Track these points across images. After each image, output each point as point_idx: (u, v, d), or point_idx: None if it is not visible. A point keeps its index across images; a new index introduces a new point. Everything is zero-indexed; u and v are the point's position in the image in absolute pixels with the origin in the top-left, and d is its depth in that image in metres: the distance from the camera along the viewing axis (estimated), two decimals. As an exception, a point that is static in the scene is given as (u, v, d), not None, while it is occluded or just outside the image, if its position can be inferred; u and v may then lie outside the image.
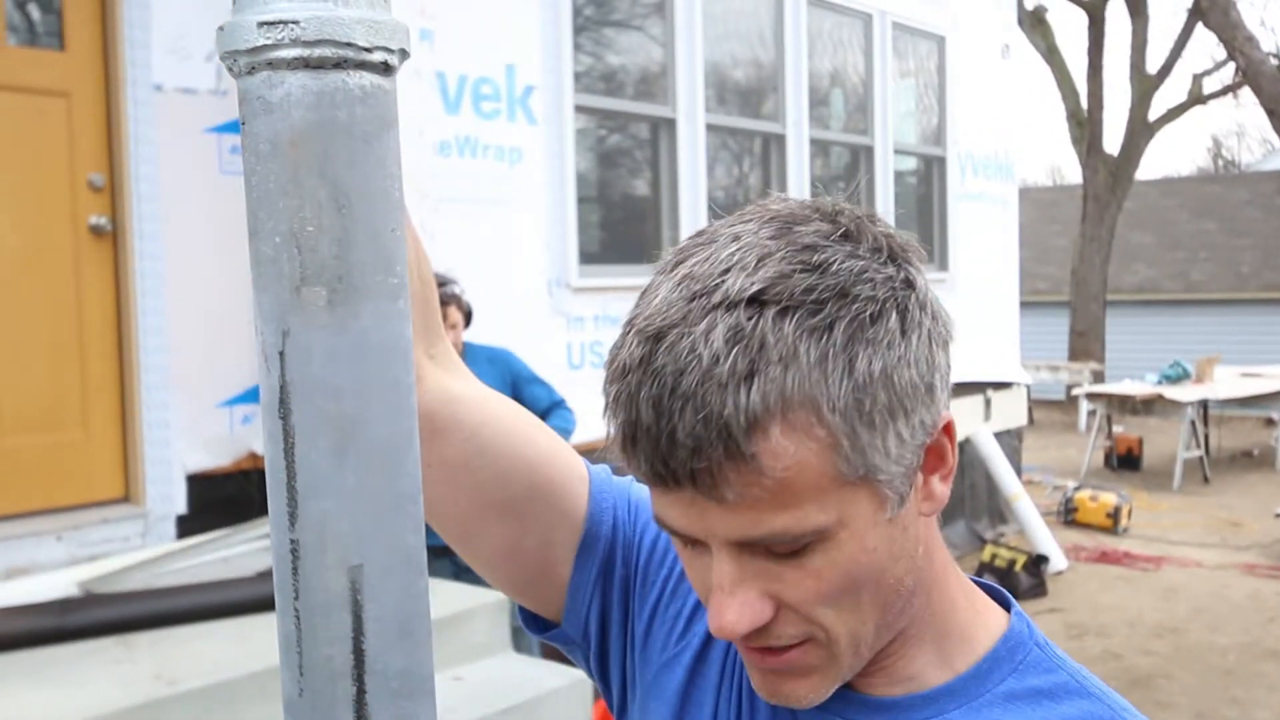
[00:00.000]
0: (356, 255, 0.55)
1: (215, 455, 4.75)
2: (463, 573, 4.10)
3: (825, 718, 0.82)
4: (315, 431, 0.56)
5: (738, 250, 0.69)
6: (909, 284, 0.71)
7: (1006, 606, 0.86)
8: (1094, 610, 7.21)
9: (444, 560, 4.14)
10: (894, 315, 0.69)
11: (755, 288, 0.67)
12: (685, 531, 0.72)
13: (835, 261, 0.69)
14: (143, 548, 4.38)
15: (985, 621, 0.83)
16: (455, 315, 3.97)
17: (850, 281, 0.68)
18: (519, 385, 4.02)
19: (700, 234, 0.75)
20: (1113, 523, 9.42)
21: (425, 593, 0.59)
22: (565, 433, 4.00)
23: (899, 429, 0.70)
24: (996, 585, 0.87)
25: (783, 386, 0.66)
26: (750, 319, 0.66)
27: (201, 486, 4.64)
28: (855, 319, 0.68)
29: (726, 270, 0.68)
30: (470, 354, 4.08)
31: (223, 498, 4.71)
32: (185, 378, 4.57)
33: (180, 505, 4.55)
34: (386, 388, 0.56)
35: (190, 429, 4.64)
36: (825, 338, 0.67)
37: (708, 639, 0.88)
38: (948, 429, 0.74)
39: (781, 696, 0.77)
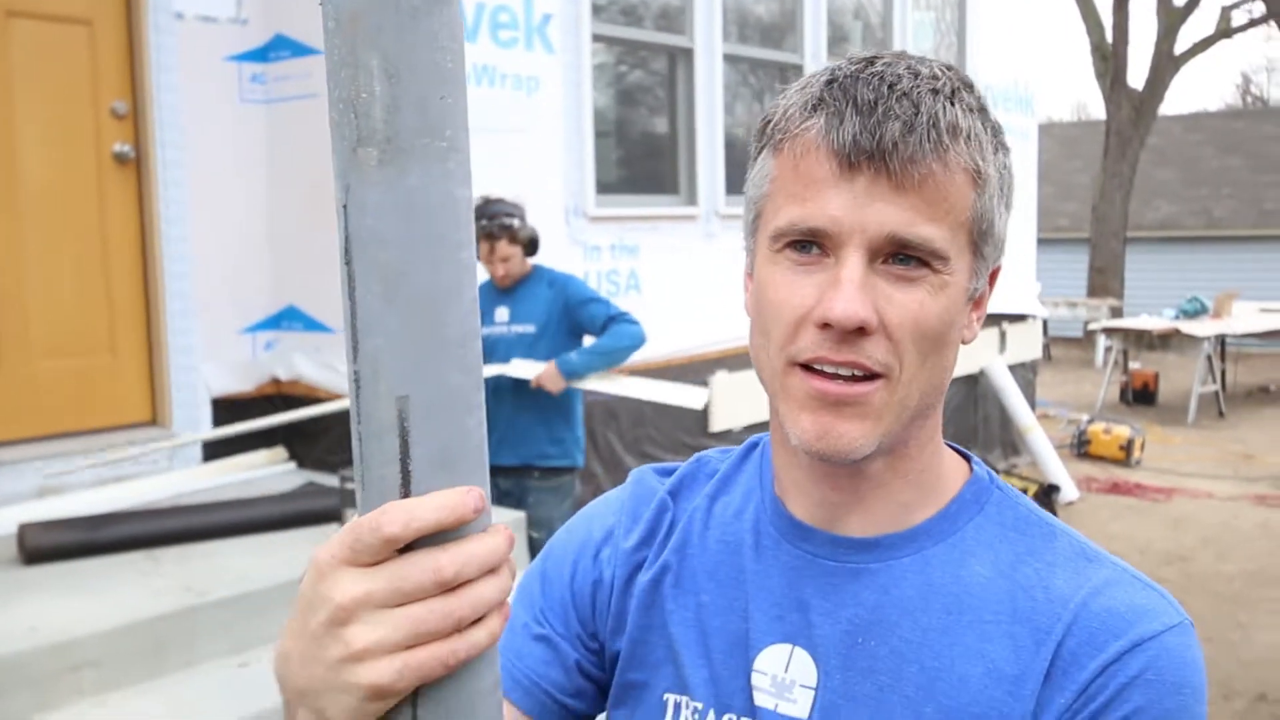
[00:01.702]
0: (403, 120, 0.62)
1: (239, 380, 4.86)
2: (500, 496, 4.18)
3: (815, 560, 0.90)
4: (369, 277, 0.63)
5: (907, 71, 0.82)
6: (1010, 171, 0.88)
7: (968, 461, 0.95)
8: (1104, 539, 7.29)
9: None
10: (1009, 172, 0.87)
11: (944, 84, 0.81)
12: (836, 226, 0.80)
13: (988, 111, 0.85)
14: (170, 469, 4.51)
15: (954, 469, 0.93)
16: (506, 249, 3.99)
17: (998, 127, 0.86)
18: (573, 308, 4.05)
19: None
20: (1125, 455, 9.47)
21: (474, 429, 0.65)
22: (631, 344, 4.01)
23: (1000, 227, 0.85)
24: (958, 446, 0.95)
25: (971, 125, 0.81)
26: (946, 83, 0.81)
27: (226, 411, 4.75)
28: (997, 129, 0.85)
29: (899, 57, 0.84)
30: (535, 276, 4.13)
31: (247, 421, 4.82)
32: (208, 304, 4.67)
33: (206, 428, 4.66)
34: (431, 242, 0.63)
35: (214, 354, 4.74)
36: (986, 117, 0.84)
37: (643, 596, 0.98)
38: (994, 275, 0.88)
39: (833, 438, 0.82)
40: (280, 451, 4.86)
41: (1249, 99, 38.86)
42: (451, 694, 0.65)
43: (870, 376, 0.81)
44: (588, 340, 4.12)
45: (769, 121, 0.85)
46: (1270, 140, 21.61)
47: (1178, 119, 24.03)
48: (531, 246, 4.06)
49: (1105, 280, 18.14)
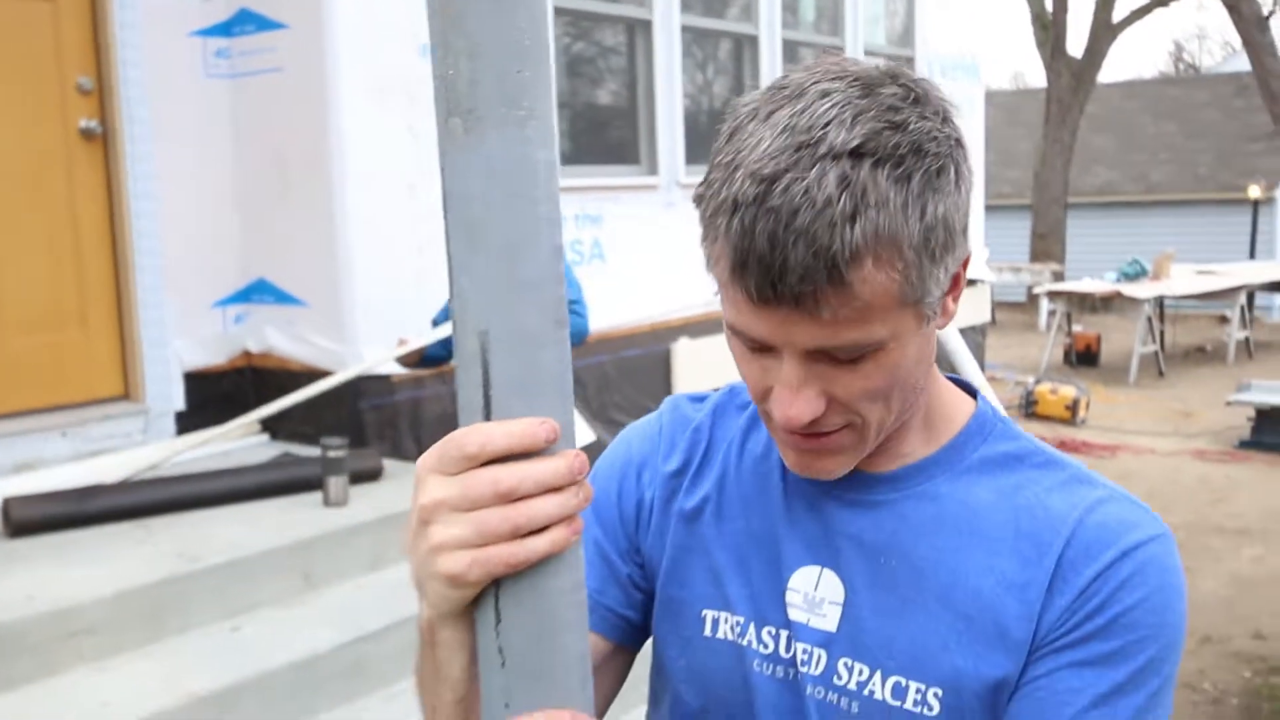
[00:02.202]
0: (483, 92, 0.71)
1: (211, 353, 4.89)
2: None
3: (837, 495, 1.00)
4: (458, 228, 0.73)
5: (833, 106, 0.83)
6: (960, 143, 0.87)
7: (973, 394, 1.05)
8: (1053, 495, 7.53)
9: None
10: (952, 169, 0.85)
11: (855, 141, 0.81)
12: (767, 341, 0.87)
13: (911, 122, 0.83)
14: (144, 443, 4.54)
15: (958, 405, 1.03)
16: None
17: (923, 140, 0.82)
18: None
19: (781, 87, 0.88)
20: (1071, 414, 9.75)
21: (551, 364, 0.74)
22: (580, 336, 4.07)
23: (947, 262, 0.86)
24: (961, 379, 1.06)
25: (878, 226, 0.80)
26: (853, 168, 0.80)
27: (198, 384, 4.78)
28: (927, 171, 0.82)
29: (827, 124, 0.82)
30: None
31: (219, 394, 4.86)
32: (179, 278, 4.69)
33: (178, 402, 4.70)
34: (509, 197, 0.72)
35: (186, 328, 4.77)
36: (907, 186, 0.81)
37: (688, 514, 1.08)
38: (965, 261, 0.91)
39: (815, 470, 0.95)
40: (253, 424, 4.91)
41: (1181, 66, 39.58)
42: (528, 590, 0.74)
43: (832, 433, 0.91)
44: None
45: (699, 199, 0.88)
46: (1203, 106, 22.08)
47: (1115, 86, 24.45)
48: None
49: (1047, 245, 18.48)
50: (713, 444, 1.10)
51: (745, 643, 1.01)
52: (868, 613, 0.96)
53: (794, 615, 0.99)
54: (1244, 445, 8.87)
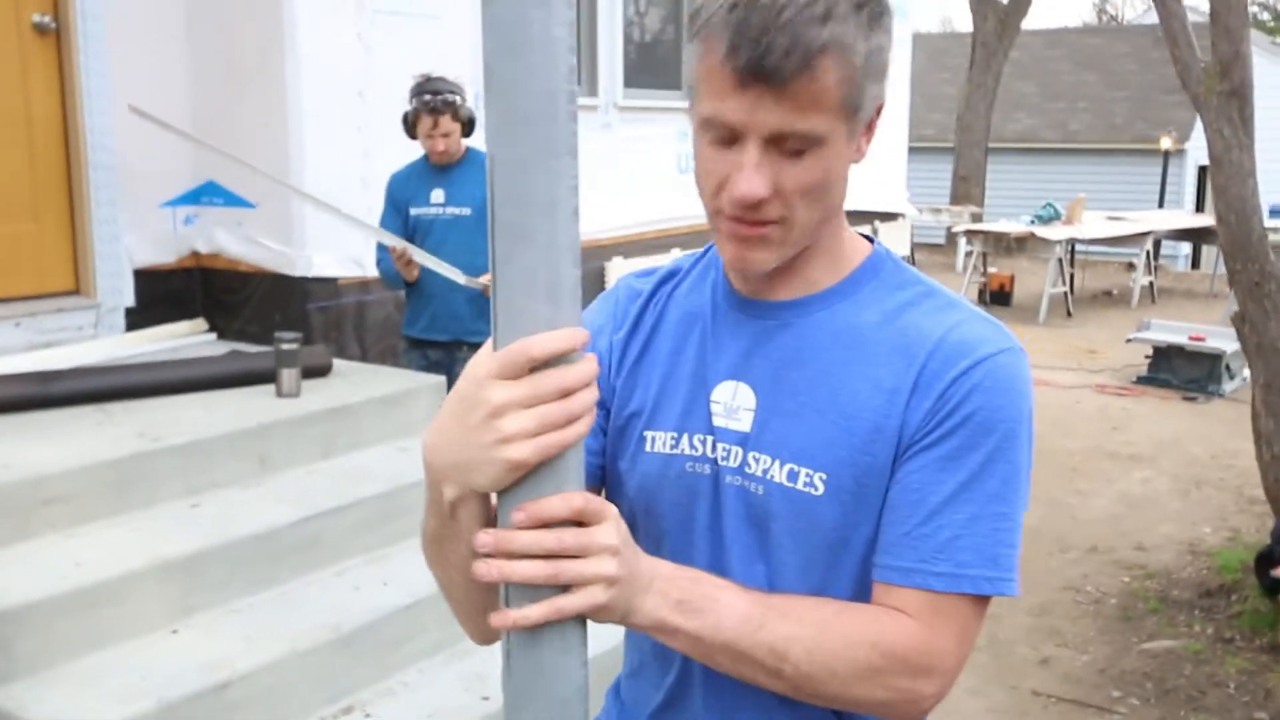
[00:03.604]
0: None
1: (161, 252, 5.01)
2: (431, 366, 4.48)
3: (753, 320, 1.23)
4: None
5: None
6: (889, 6, 1.12)
7: (872, 242, 1.30)
8: (961, 420, 7.94)
9: (415, 352, 4.52)
10: (886, 15, 1.11)
11: None
12: (738, 125, 1.08)
13: None
14: (95, 337, 4.67)
15: (858, 247, 1.26)
16: (448, 124, 4.21)
17: None
18: None
19: None
20: (982, 348, 10.18)
21: (561, 255, 0.95)
22: None
23: (876, 91, 1.11)
24: (866, 233, 1.31)
25: (840, 34, 1.03)
26: None
27: (148, 282, 4.90)
28: (873, 10, 1.07)
29: None
30: (470, 158, 4.35)
31: (168, 292, 4.99)
32: (130, 178, 4.79)
33: (129, 298, 4.81)
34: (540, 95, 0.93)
35: (136, 227, 4.88)
36: (860, 13, 1.05)
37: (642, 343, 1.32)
38: (880, 108, 1.16)
39: (748, 261, 1.17)
40: (201, 323, 5.05)
41: (1104, 17, 40.27)
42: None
43: (768, 222, 1.14)
44: None
45: (694, 16, 1.12)
46: (1122, 57, 22.62)
47: (1039, 34, 24.88)
48: (469, 126, 4.28)
49: (968, 188, 18.93)
50: (654, 300, 1.34)
51: (679, 451, 1.25)
52: (772, 416, 1.20)
53: (716, 422, 1.23)
54: (1141, 380, 9.38)
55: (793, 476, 1.17)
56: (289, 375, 4.04)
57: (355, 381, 4.40)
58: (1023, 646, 4.49)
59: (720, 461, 1.22)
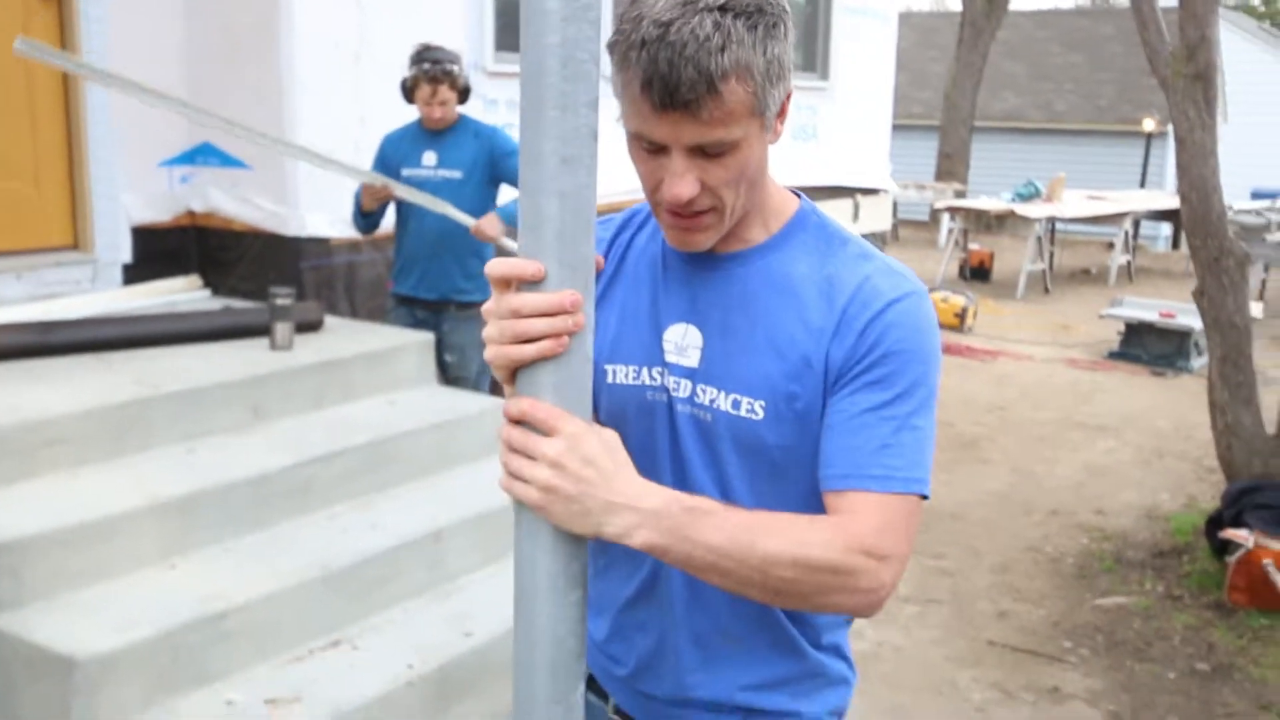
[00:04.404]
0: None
1: (157, 210, 5.15)
2: (418, 323, 4.65)
3: (699, 271, 1.41)
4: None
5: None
6: (785, 9, 1.28)
7: (800, 198, 1.48)
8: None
9: (403, 309, 4.69)
10: (783, 25, 1.27)
11: (722, 1, 1.22)
12: (662, 141, 1.26)
13: None
14: (92, 291, 4.82)
15: (787, 204, 1.45)
16: (445, 92, 4.39)
17: (764, 3, 1.24)
18: (498, 160, 4.45)
19: None
20: (959, 321, 10.40)
21: (577, 192, 1.13)
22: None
23: (780, 89, 1.28)
24: (794, 189, 1.48)
25: (738, 56, 1.20)
26: (722, 17, 1.21)
27: (145, 239, 5.05)
28: (767, 24, 1.22)
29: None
30: (461, 126, 4.52)
31: (164, 250, 5.14)
32: (128, 137, 4.92)
33: (126, 254, 4.96)
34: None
35: (133, 185, 5.02)
36: (755, 32, 1.23)
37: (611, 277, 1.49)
38: (789, 95, 1.33)
39: (689, 243, 1.36)
40: (196, 279, 5.20)
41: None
42: (533, 367, 1.17)
43: (703, 213, 1.32)
44: (506, 190, 4.56)
45: (611, 48, 1.27)
46: (1108, 40, 22.77)
47: (1028, 15, 25.02)
48: (465, 95, 4.47)
49: (952, 165, 19.10)
50: (615, 246, 1.51)
51: (639, 382, 1.43)
52: (717, 353, 1.39)
53: (669, 358, 1.42)
54: (1112, 356, 9.59)
55: (736, 405, 1.36)
56: (283, 329, 4.20)
57: (346, 337, 4.56)
58: (983, 601, 4.70)
59: (673, 393, 1.41)
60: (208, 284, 5.19)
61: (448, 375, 4.71)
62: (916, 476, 1.30)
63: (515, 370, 1.16)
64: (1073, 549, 5.29)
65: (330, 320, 4.74)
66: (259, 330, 4.30)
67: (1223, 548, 4.77)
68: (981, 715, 3.81)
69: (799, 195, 1.47)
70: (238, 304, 4.92)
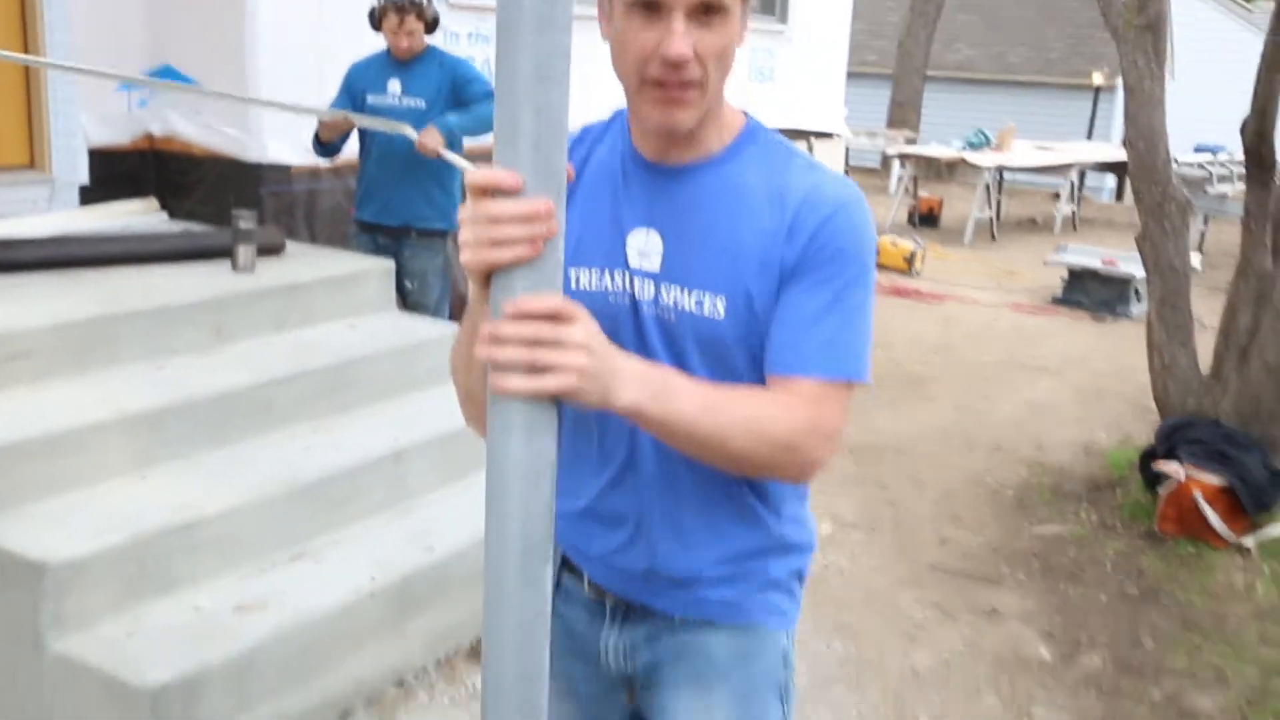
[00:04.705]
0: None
1: (115, 133, 5.13)
2: (380, 250, 4.70)
3: (657, 180, 1.50)
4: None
5: None
6: None
7: (746, 116, 1.57)
8: (883, 331, 8.28)
9: (365, 236, 4.73)
10: None
11: None
12: (664, 3, 1.34)
13: None
14: (49, 211, 4.80)
15: (735, 119, 1.54)
16: (413, 23, 4.44)
17: None
18: (459, 86, 4.52)
19: None
20: (908, 265, 10.57)
21: (551, 107, 1.16)
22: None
23: None
24: (743, 110, 1.57)
25: None
26: None
27: (102, 161, 5.03)
28: None
29: None
30: (429, 55, 4.57)
31: (122, 173, 5.12)
32: (85, 58, 4.88)
33: (83, 175, 4.94)
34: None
35: (91, 106, 4.99)
36: None
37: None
38: (750, 4, 1.44)
39: (671, 119, 1.42)
40: (153, 202, 5.19)
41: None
42: (508, 271, 1.20)
43: (690, 84, 1.41)
44: None
45: None
46: (1064, -8, 22.90)
47: (984, -35, 25.05)
48: (432, 26, 4.50)
49: (904, 114, 19.22)
50: (574, 155, 1.57)
51: (602, 287, 1.52)
52: (678, 256, 1.49)
53: (632, 262, 1.51)
54: (1055, 301, 9.81)
55: (699, 305, 1.47)
56: (245, 251, 4.24)
57: (307, 262, 4.60)
58: (926, 529, 4.87)
59: (637, 295, 1.51)
60: (165, 207, 5.19)
61: (407, 301, 4.77)
62: (859, 367, 1.45)
63: (489, 273, 1.19)
64: (1013, 481, 5.48)
65: (292, 245, 4.77)
66: (221, 252, 4.32)
67: (1155, 480, 4.97)
68: (922, 632, 3.98)
69: (745, 114, 1.56)
70: (196, 227, 4.93)
